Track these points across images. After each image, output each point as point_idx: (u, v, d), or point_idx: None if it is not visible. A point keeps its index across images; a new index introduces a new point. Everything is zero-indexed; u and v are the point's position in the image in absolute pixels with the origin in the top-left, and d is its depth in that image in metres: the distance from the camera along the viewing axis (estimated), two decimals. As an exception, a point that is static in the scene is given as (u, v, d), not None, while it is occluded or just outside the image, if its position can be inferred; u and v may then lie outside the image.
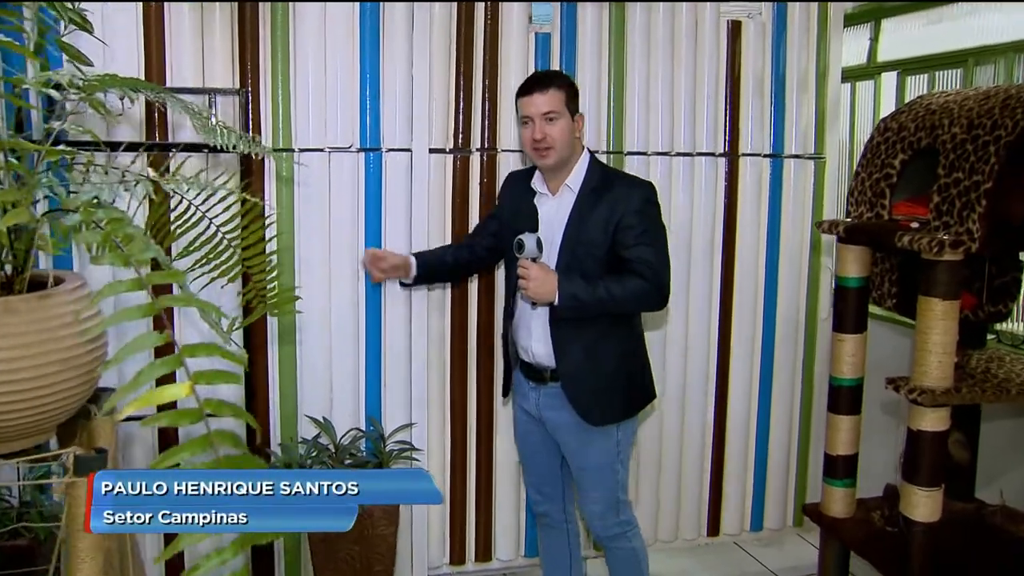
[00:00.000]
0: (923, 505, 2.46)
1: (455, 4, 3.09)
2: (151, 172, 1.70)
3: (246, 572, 1.15)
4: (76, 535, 1.41)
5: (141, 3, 2.79)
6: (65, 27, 2.06)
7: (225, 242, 1.96)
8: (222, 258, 1.96)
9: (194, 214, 1.90)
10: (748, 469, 3.64)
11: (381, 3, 3.00)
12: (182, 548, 1.11)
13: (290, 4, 2.93)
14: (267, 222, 2.00)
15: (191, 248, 1.92)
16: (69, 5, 1.89)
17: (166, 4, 2.82)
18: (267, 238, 2.04)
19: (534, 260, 2.41)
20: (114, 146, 2.49)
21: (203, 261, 1.95)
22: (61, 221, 1.33)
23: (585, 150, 2.60)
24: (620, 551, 2.69)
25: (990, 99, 2.43)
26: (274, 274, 2.08)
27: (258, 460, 1.22)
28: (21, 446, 1.45)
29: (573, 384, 2.54)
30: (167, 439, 2.94)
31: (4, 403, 1.32)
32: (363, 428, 3.11)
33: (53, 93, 1.69)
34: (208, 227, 1.93)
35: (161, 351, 1.19)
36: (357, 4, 2.98)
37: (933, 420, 2.42)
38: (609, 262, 2.49)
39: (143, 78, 2.81)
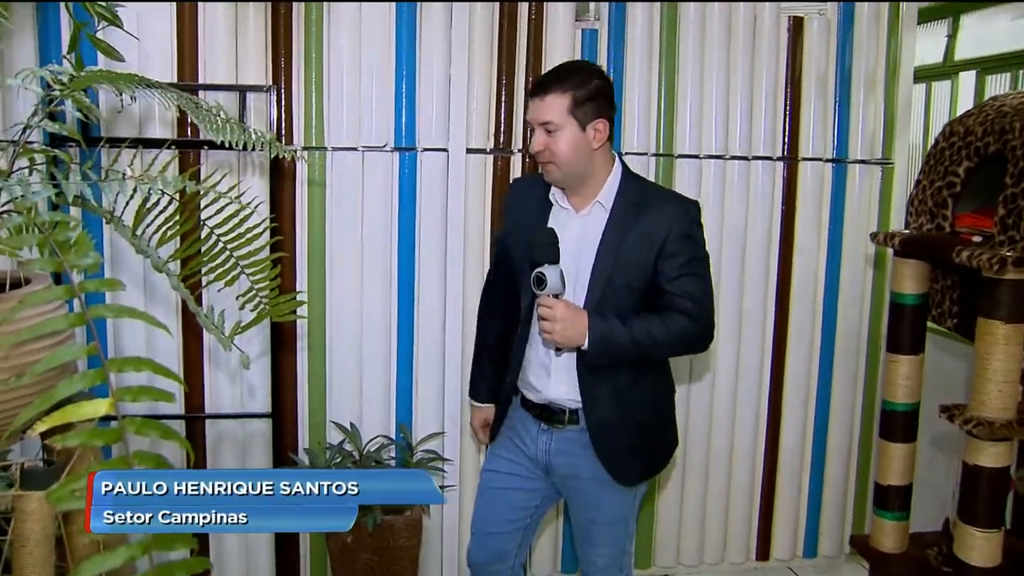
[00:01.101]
0: (979, 548, 2.24)
1: (497, 2, 2.98)
2: (129, 171, 1.64)
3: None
4: (21, 551, 1.35)
5: (175, 2, 2.78)
6: (98, 23, 2.03)
7: (220, 244, 1.89)
8: (217, 260, 1.90)
9: (182, 214, 1.83)
10: (802, 492, 3.43)
11: (419, 1, 2.92)
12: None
13: (324, 2, 2.87)
14: (266, 224, 1.91)
15: (184, 250, 1.86)
16: (102, 3, 1.87)
17: (200, 3, 2.79)
18: (266, 242, 1.96)
19: (556, 296, 2.04)
20: (96, 142, 2.46)
21: (196, 264, 1.89)
22: (8, 223, 1.27)
23: (616, 160, 2.19)
24: None
25: (1066, 101, 2.20)
26: (275, 278, 2.00)
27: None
28: (-19, 453, 1.41)
29: (603, 437, 2.17)
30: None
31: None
32: (393, 436, 3.03)
33: (35, 90, 1.65)
34: (201, 228, 1.86)
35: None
36: (394, 3, 2.91)
37: (992, 455, 2.21)
38: (645, 295, 2.12)
39: (176, 74, 2.79)
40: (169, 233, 1.84)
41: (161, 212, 1.83)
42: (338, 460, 2.86)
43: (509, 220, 2.31)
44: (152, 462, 1.12)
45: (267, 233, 1.93)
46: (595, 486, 2.22)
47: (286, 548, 3.05)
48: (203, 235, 1.87)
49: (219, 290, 1.94)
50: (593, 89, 2.09)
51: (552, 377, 2.18)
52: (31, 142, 1.64)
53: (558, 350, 2.13)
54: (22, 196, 1.45)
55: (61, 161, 1.71)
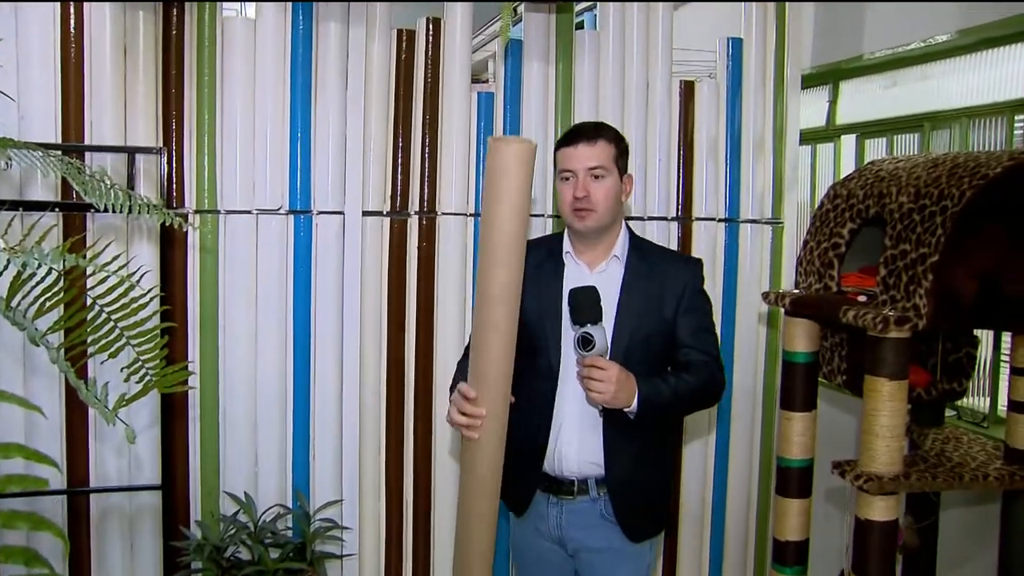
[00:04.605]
0: (873, 600, 2.28)
1: (393, 60, 2.98)
2: (2, 242, 1.56)
3: None
4: None
5: (60, 55, 2.68)
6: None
7: (104, 315, 1.81)
8: (101, 332, 1.82)
9: (60, 283, 1.75)
10: (704, 552, 3.44)
11: (314, 56, 2.89)
12: None
13: (217, 57, 2.82)
14: (153, 293, 1.84)
15: (62, 323, 1.77)
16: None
17: (86, 59, 2.70)
18: (154, 311, 1.89)
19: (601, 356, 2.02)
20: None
21: (79, 335, 1.80)
22: None
23: (623, 218, 2.27)
24: None
25: (938, 167, 2.30)
26: (162, 349, 1.93)
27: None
28: None
29: (622, 495, 2.19)
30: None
31: None
32: (290, 504, 2.94)
33: (-98, 156, 1.57)
34: (84, 298, 1.78)
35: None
36: (288, 57, 2.87)
37: (882, 509, 2.25)
38: (662, 346, 2.18)
39: (60, 135, 2.69)
40: (48, 304, 1.76)
41: (40, 282, 1.75)
42: (232, 532, 2.74)
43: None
44: (21, 558, 1.05)
45: (154, 303, 1.86)
46: (608, 556, 2.22)
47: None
48: (87, 304, 1.80)
49: (102, 362, 1.86)
50: (626, 146, 2.23)
51: (579, 440, 2.17)
52: None
53: (602, 410, 2.11)
54: None
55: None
